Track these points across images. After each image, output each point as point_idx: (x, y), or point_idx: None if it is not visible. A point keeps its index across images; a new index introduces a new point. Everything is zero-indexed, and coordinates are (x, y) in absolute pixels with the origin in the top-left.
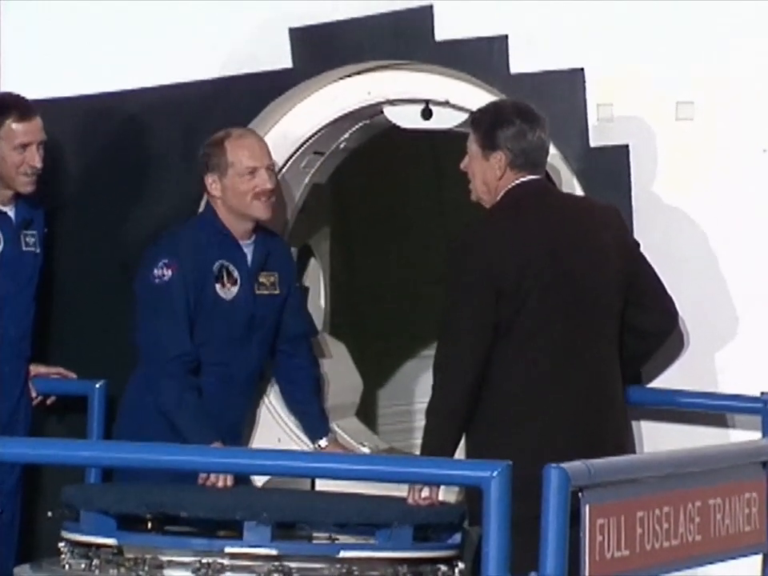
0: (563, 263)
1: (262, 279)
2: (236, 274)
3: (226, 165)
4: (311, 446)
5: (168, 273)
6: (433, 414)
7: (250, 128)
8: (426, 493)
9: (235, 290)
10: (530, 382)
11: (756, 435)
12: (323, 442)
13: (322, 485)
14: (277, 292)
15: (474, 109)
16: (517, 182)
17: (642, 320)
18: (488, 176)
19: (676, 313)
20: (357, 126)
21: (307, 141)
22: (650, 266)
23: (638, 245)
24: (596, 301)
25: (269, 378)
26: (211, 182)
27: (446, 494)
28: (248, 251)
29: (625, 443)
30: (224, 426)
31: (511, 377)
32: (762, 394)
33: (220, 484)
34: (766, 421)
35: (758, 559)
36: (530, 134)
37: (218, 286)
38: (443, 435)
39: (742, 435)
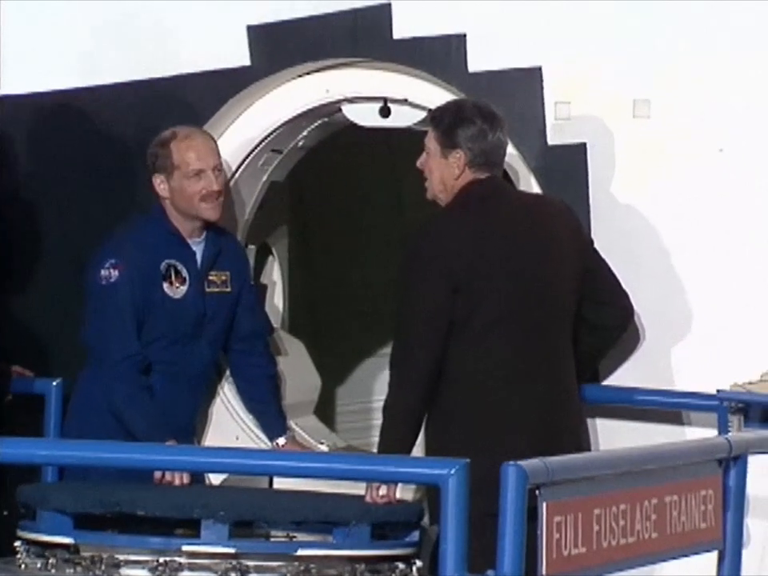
0: (518, 259)
1: (212, 277)
2: (184, 272)
3: (172, 166)
4: (269, 444)
5: (115, 273)
6: (389, 411)
7: (197, 128)
8: (383, 491)
9: (184, 288)
10: (487, 379)
11: (712, 432)
12: (281, 441)
13: (279, 483)
14: (228, 290)
15: (432, 107)
16: (472, 179)
17: (598, 315)
18: (446, 174)
19: (631, 308)
20: (315, 124)
21: (265, 139)
22: (604, 261)
23: (592, 241)
24: (551, 297)
25: (226, 376)
26: (159, 182)
27: (404, 492)
28: (197, 249)
29: (581, 440)
30: (174, 425)
31: (468, 373)
32: (718, 391)
33: (177, 482)
34: (721, 418)
35: (713, 556)
36: (491, 134)
37: (165, 285)
38: (400, 433)
39: (697, 433)
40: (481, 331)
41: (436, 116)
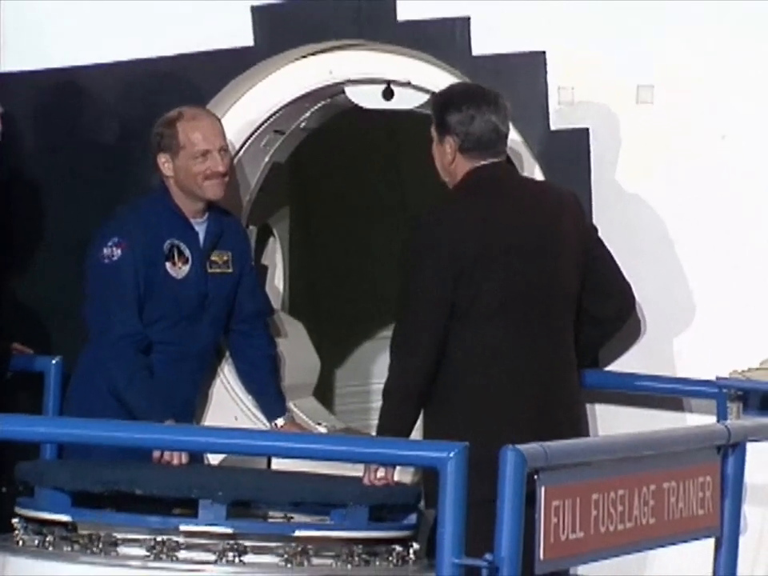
0: (522, 247)
1: (214, 258)
2: (187, 252)
3: (178, 146)
4: (268, 425)
5: (117, 252)
6: (389, 394)
7: (204, 107)
8: (381, 473)
9: (186, 268)
10: (487, 366)
11: (711, 419)
12: (280, 422)
13: (278, 464)
14: (230, 271)
15: (435, 90)
16: (475, 165)
17: (599, 307)
18: (443, 161)
19: (633, 298)
20: (318, 106)
21: (267, 120)
22: (607, 251)
23: (596, 230)
24: (554, 284)
25: (226, 357)
26: (163, 161)
27: (402, 476)
28: (200, 230)
29: (580, 426)
30: (174, 405)
31: (469, 359)
32: (717, 378)
33: (175, 461)
34: (720, 405)
35: (710, 543)
36: (478, 118)
37: (168, 265)
38: (399, 416)
39: (696, 419)
40: (483, 318)
41: (432, 103)
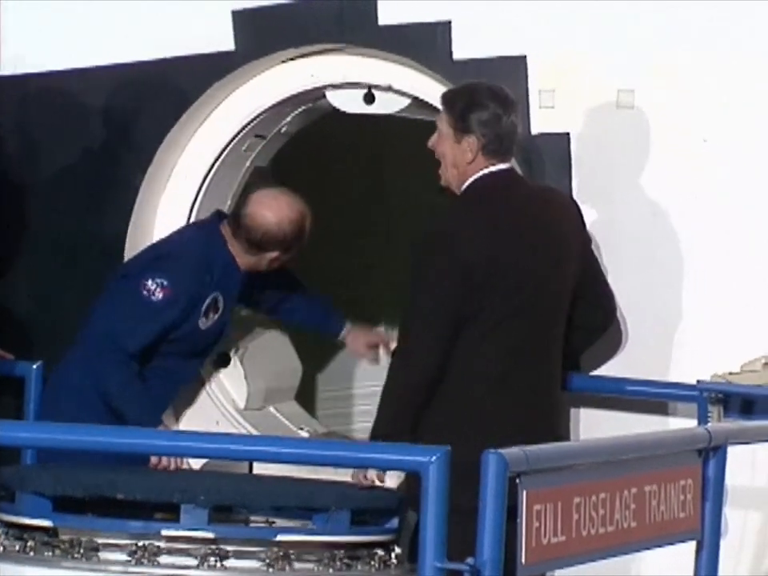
0: (530, 259)
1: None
2: (221, 303)
3: (300, 245)
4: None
5: (159, 295)
6: (388, 397)
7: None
8: (372, 475)
9: (215, 318)
10: (482, 374)
11: (692, 423)
12: (345, 332)
13: (259, 468)
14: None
15: (417, 94)
16: (485, 171)
17: (587, 315)
18: (459, 159)
19: (615, 310)
20: (299, 110)
21: (249, 124)
22: (597, 262)
23: (590, 240)
24: (556, 297)
25: (205, 363)
26: (274, 257)
27: (389, 479)
28: (243, 275)
29: (563, 435)
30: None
31: (469, 368)
32: (699, 381)
33: (172, 467)
34: (701, 408)
35: (693, 544)
36: (505, 119)
37: (201, 320)
38: (396, 420)
39: (678, 423)
40: (485, 329)
41: (449, 99)
